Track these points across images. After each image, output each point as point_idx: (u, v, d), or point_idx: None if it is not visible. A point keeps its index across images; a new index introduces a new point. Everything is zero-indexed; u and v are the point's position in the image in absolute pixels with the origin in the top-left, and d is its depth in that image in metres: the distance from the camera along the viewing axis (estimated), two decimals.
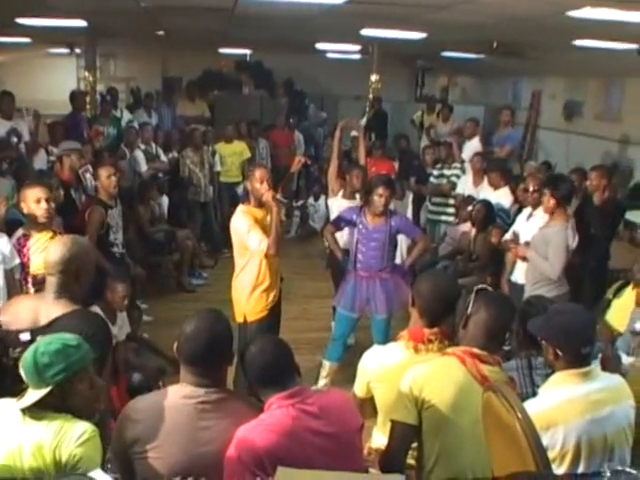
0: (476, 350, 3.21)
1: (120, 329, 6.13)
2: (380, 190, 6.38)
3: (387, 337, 6.22)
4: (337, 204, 7.63)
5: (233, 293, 6.19)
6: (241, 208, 6.14)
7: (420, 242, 6.82)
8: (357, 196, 7.65)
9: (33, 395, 2.85)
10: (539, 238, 6.25)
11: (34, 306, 3.58)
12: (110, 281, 6.10)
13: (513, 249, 6.69)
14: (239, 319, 6.07)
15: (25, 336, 3.31)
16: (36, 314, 3.50)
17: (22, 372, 2.88)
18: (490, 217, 8.04)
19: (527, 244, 6.51)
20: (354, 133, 13.03)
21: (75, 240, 3.91)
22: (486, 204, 8.11)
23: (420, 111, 13.89)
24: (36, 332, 3.38)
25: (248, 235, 5.79)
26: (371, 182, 6.68)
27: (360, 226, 6.58)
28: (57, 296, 3.63)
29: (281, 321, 6.48)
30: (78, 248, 3.74)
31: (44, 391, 2.83)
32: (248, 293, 6.05)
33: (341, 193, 7.73)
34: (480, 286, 3.45)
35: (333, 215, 7.62)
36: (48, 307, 3.57)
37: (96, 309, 5.63)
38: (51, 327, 3.39)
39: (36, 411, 2.86)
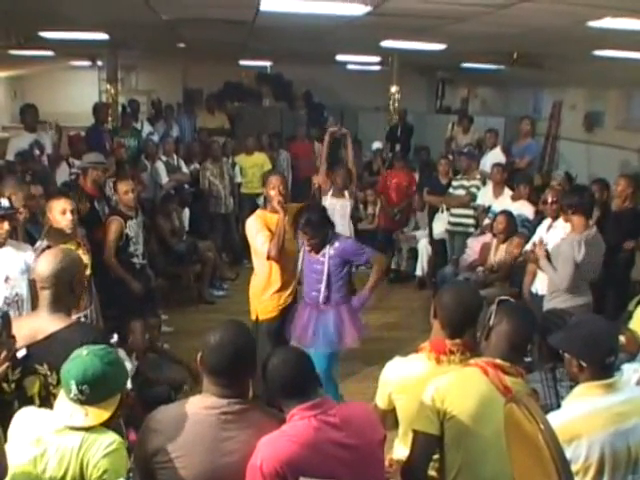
0: (499, 361, 3.20)
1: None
2: (300, 233, 6.05)
3: (326, 372, 5.75)
4: (327, 202, 8.40)
5: (249, 292, 6.53)
6: (257, 212, 6.58)
7: (375, 265, 6.18)
8: (345, 193, 8.59)
9: (101, 414, 2.93)
10: (555, 249, 6.31)
11: (30, 324, 3.50)
12: (129, 323, 6.16)
13: (532, 253, 6.68)
14: (252, 317, 6.39)
15: (21, 352, 3.28)
16: (33, 331, 3.41)
17: (84, 388, 2.91)
18: (512, 228, 8.02)
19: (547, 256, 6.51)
20: (377, 145, 13.09)
21: (64, 251, 3.84)
22: (508, 214, 8.08)
23: (451, 123, 13.84)
24: (33, 347, 3.35)
25: (255, 237, 6.19)
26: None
27: (305, 254, 6.25)
28: (52, 310, 3.54)
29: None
30: (69, 259, 3.66)
31: (113, 403, 2.94)
32: (259, 293, 6.38)
33: (330, 192, 8.55)
34: (502, 297, 3.44)
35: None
36: (44, 322, 3.50)
37: (121, 353, 5.70)
38: (49, 341, 3.40)
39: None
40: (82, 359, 2.94)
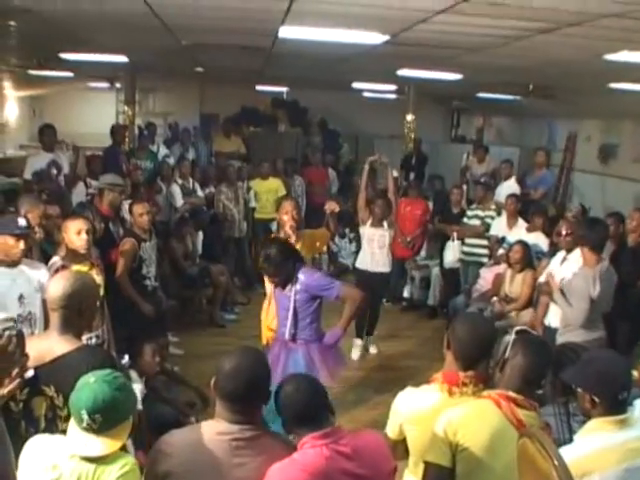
0: (512, 394, 3.18)
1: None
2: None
3: None
4: (367, 232, 8.71)
5: (261, 316, 6.45)
6: (271, 238, 6.69)
7: (348, 301, 5.76)
8: (384, 224, 8.61)
9: (112, 444, 2.92)
10: (569, 283, 6.28)
11: (39, 344, 3.47)
12: (140, 345, 6.15)
13: (546, 285, 6.65)
14: (263, 342, 6.29)
15: (29, 373, 3.27)
16: (41, 352, 3.39)
17: (97, 417, 2.91)
18: (528, 258, 7.99)
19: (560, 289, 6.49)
20: (395, 174, 13.15)
21: (78, 275, 3.84)
22: (523, 244, 8.06)
23: (466, 153, 13.84)
24: (40, 368, 3.34)
25: None
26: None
27: (274, 290, 5.91)
28: (61, 332, 3.54)
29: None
30: (81, 283, 3.64)
31: (127, 428, 2.93)
32: (267, 317, 6.27)
33: (369, 222, 8.65)
34: (520, 327, 3.43)
35: (364, 242, 8.82)
36: (52, 344, 3.50)
37: (133, 374, 5.71)
38: (56, 363, 3.40)
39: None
40: (91, 387, 2.93)
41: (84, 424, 2.90)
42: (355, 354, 8.84)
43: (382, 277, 8.84)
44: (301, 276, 5.60)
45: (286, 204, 6.66)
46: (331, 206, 7.38)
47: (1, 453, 2.30)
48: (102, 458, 2.90)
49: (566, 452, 2.96)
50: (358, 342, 8.92)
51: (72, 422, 2.98)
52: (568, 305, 6.15)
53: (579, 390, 3.26)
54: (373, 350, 9.06)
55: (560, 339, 6.16)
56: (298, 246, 6.34)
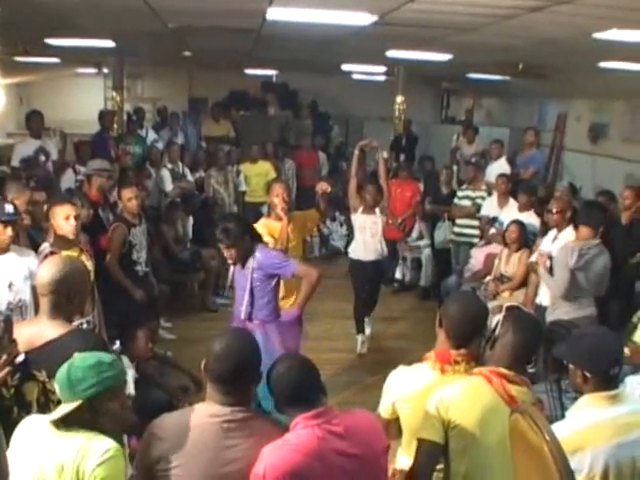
0: (503, 370, 3.19)
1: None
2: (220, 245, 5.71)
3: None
4: (358, 219, 8.36)
5: None
6: (261, 220, 6.66)
7: (305, 279, 5.72)
8: (377, 210, 8.26)
9: (63, 408, 2.87)
10: (555, 257, 6.39)
11: (29, 329, 3.47)
12: (130, 331, 6.13)
13: (536, 264, 6.70)
14: None
15: (20, 358, 3.26)
16: (32, 337, 3.39)
17: (56, 386, 2.90)
18: (524, 237, 7.98)
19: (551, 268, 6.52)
20: (385, 156, 13.13)
21: (67, 261, 3.82)
22: (519, 224, 8.04)
23: (456, 134, 13.83)
24: (31, 353, 3.34)
25: None
26: None
27: (234, 269, 5.86)
28: (51, 317, 3.53)
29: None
30: (70, 269, 3.62)
31: (74, 404, 2.84)
32: None
33: (361, 209, 8.29)
34: (510, 304, 3.42)
35: (356, 230, 8.47)
36: (43, 329, 3.49)
37: (125, 360, 5.70)
38: (47, 347, 3.38)
39: (63, 428, 2.88)
40: (70, 363, 2.91)
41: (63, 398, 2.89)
42: (361, 349, 8.57)
43: (376, 266, 8.54)
44: (258, 254, 5.54)
45: (277, 186, 6.65)
46: (322, 187, 7.25)
47: None
48: (83, 440, 2.85)
49: (558, 428, 2.97)
50: (360, 338, 8.61)
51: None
52: (550, 278, 6.24)
53: (571, 366, 3.27)
54: (367, 331, 8.80)
55: (550, 317, 6.21)
56: (289, 228, 6.36)
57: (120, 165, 10.06)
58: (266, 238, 6.14)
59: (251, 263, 5.53)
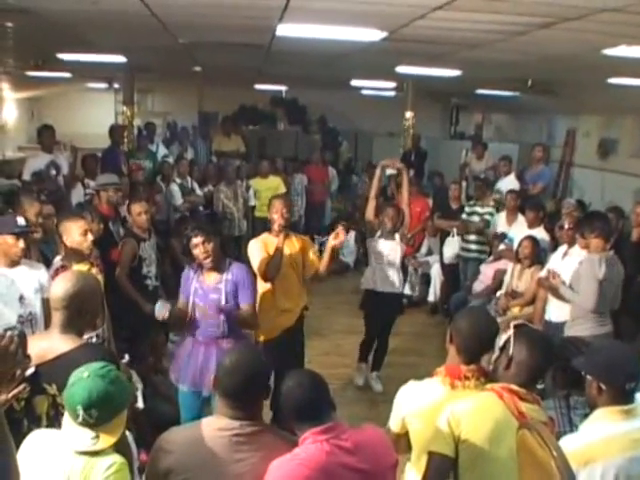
0: (515, 387, 3.18)
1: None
2: (193, 240, 5.44)
3: None
4: (375, 245, 7.69)
5: None
6: (261, 236, 6.56)
7: (244, 314, 5.48)
8: (396, 236, 7.60)
9: (105, 437, 2.89)
10: (575, 273, 6.28)
11: (41, 343, 3.47)
12: (140, 344, 6.11)
13: (546, 280, 6.65)
14: (257, 338, 6.33)
15: (30, 370, 3.27)
16: (43, 351, 3.40)
17: (76, 407, 2.89)
18: (537, 253, 7.95)
19: (563, 284, 6.49)
20: (391, 171, 13.10)
21: (81, 276, 3.83)
22: (533, 240, 8.00)
23: (465, 150, 13.84)
24: (42, 367, 3.34)
25: (253, 259, 6.17)
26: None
27: (197, 286, 5.53)
28: (63, 331, 3.54)
29: (307, 353, 6.58)
30: (83, 284, 3.64)
31: (112, 441, 2.88)
32: (261, 315, 6.12)
33: (378, 233, 7.66)
34: (518, 321, 3.42)
35: (371, 257, 7.77)
36: (54, 343, 3.50)
37: (133, 374, 5.70)
38: (58, 362, 3.40)
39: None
40: (85, 382, 2.91)
41: (80, 419, 2.88)
42: (359, 380, 7.89)
43: (393, 298, 7.79)
44: (234, 268, 5.48)
45: (276, 202, 6.42)
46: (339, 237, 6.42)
47: (4, 456, 2.28)
48: (94, 453, 2.88)
49: (570, 440, 2.98)
50: (362, 366, 7.95)
51: (66, 417, 2.97)
52: (576, 293, 6.14)
53: (588, 377, 3.29)
54: (378, 387, 7.79)
55: (568, 332, 6.15)
56: (286, 247, 6.24)
57: (131, 180, 10.08)
58: (262, 254, 6.14)
59: (225, 276, 5.43)
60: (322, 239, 13.12)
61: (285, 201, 6.55)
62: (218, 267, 5.47)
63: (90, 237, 5.60)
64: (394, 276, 7.65)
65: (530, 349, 3.24)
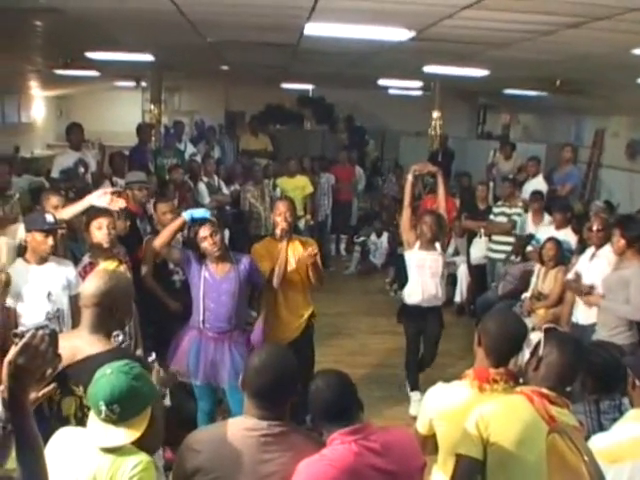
0: (545, 391, 3.16)
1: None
2: (201, 233, 5.55)
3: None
4: (414, 257, 7.13)
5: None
6: (264, 241, 6.47)
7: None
8: (437, 246, 7.09)
9: (114, 438, 2.89)
10: (615, 280, 6.10)
11: (69, 342, 3.42)
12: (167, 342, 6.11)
13: (585, 299, 6.57)
14: (282, 334, 6.23)
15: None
16: (72, 351, 3.39)
17: (99, 403, 2.90)
18: (561, 254, 7.91)
19: (591, 287, 6.42)
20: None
21: (114, 275, 3.85)
22: (556, 242, 7.96)
23: (493, 150, 13.76)
24: (70, 368, 3.34)
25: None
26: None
27: (206, 275, 5.59)
28: (92, 331, 3.56)
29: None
30: (115, 283, 3.64)
31: (132, 437, 2.88)
32: (269, 318, 6.25)
33: (417, 244, 7.11)
34: (548, 325, 3.39)
35: (411, 270, 7.18)
36: (83, 343, 3.51)
37: (160, 372, 5.71)
38: (86, 364, 3.38)
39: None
40: (107, 378, 2.91)
41: (102, 415, 2.88)
42: (414, 409, 6.80)
43: (436, 313, 7.32)
44: (242, 258, 5.70)
45: (280, 205, 6.31)
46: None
47: (33, 455, 2.29)
48: (119, 450, 2.89)
49: (601, 438, 2.99)
50: (415, 397, 7.06)
51: (91, 415, 2.97)
52: (622, 304, 5.98)
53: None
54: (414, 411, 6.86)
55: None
56: (290, 252, 6.13)
57: (158, 178, 10.09)
58: (266, 262, 6.03)
59: (234, 268, 5.59)
60: (357, 240, 13.19)
61: (288, 203, 6.38)
62: (225, 258, 5.59)
63: (105, 231, 5.62)
64: (438, 289, 7.14)
65: (560, 351, 3.22)
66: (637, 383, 3.24)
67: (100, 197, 5.44)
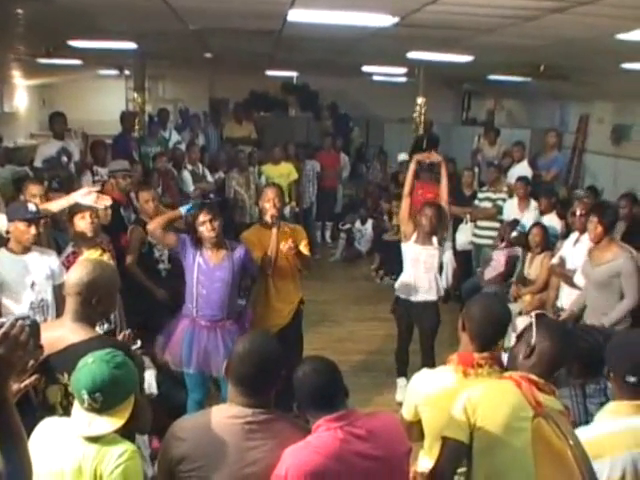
0: (534, 377, 3.15)
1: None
2: (201, 217, 5.54)
3: None
4: (410, 249, 6.94)
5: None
6: (253, 227, 6.50)
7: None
8: (434, 240, 6.89)
9: (99, 427, 2.90)
10: (606, 272, 6.03)
11: (53, 331, 3.44)
12: (152, 330, 6.10)
13: (558, 270, 6.60)
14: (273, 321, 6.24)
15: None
16: (55, 339, 3.37)
17: (81, 392, 2.90)
18: (547, 240, 7.93)
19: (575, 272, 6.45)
20: (403, 157, 13.03)
21: (98, 265, 3.80)
22: (542, 227, 7.98)
23: (477, 136, 13.78)
24: (54, 356, 3.33)
25: None
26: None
27: (200, 261, 5.60)
28: (75, 319, 3.54)
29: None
30: (99, 273, 3.61)
31: (116, 426, 2.89)
32: (259, 305, 6.27)
33: (414, 237, 6.92)
34: (538, 312, 3.38)
35: (406, 263, 7.00)
36: (66, 332, 3.50)
37: (146, 360, 5.70)
38: (69, 352, 3.38)
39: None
40: (89, 367, 2.93)
41: (85, 404, 2.90)
42: (400, 396, 6.76)
43: (427, 307, 6.98)
44: (237, 246, 5.74)
45: (268, 191, 6.27)
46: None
47: (16, 446, 2.27)
48: (104, 439, 2.89)
49: (580, 433, 2.94)
50: (402, 383, 6.99)
51: (75, 403, 2.98)
52: (617, 293, 5.98)
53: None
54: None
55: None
56: (283, 238, 6.05)
57: (142, 166, 10.03)
58: (256, 251, 6.02)
59: (229, 256, 5.62)
60: (342, 227, 13.20)
61: (277, 189, 6.35)
62: (221, 246, 5.61)
63: (88, 219, 5.64)
64: (432, 284, 6.92)
65: (553, 341, 3.19)
66: (611, 375, 3.21)
67: (85, 196, 5.40)
